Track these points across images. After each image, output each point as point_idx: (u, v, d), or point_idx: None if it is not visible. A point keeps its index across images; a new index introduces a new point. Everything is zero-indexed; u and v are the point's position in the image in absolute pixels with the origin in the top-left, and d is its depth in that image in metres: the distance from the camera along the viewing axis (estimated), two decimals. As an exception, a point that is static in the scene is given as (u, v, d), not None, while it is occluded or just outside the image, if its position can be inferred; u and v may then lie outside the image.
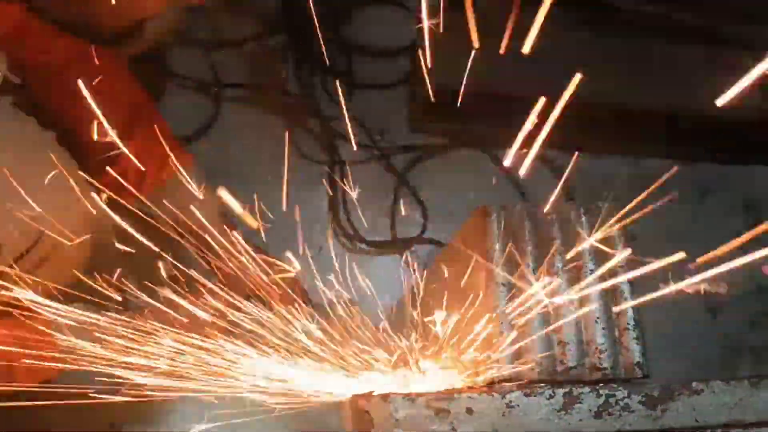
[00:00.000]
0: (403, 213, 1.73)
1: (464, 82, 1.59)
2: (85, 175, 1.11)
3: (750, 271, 1.76)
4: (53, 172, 1.02)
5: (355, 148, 1.73)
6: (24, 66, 1.04)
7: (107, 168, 1.16)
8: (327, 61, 1.58)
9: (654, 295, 0.83)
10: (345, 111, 1.68)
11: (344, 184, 1.70)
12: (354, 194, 1.72)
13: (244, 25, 1.81)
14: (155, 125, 1.23)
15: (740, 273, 1.77)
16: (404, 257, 1.68)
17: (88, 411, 1.08)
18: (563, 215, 0.86)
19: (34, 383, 1.07)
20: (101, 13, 0.92)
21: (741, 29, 1.67)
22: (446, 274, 1.07)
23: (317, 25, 1.75)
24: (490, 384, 0.80)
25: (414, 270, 1.67)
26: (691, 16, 1.67)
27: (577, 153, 1.18)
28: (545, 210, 0.86)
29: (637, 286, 0.86)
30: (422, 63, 1.65)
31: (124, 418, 1.47)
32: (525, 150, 1.77)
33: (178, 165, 1.21)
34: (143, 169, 1.19)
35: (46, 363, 1.06)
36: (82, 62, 1.09)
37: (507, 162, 0.86)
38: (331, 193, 1.71)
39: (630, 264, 0.85)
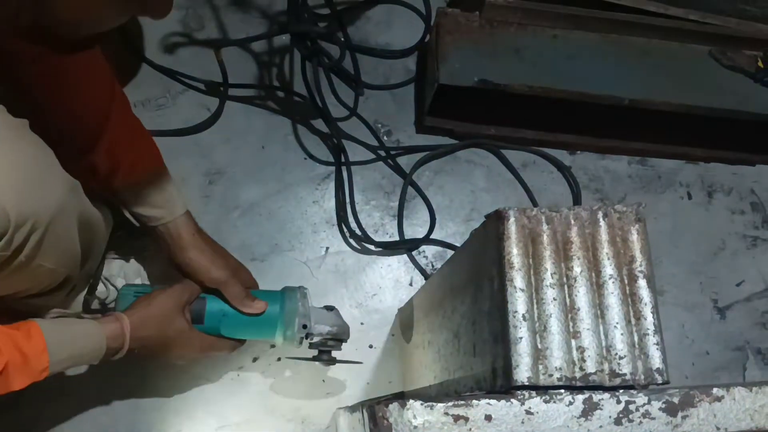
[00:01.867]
0: (410, 214, 1.73)
1: (471, 81, 1.59)
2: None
3: (759, 270, 1.77)
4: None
5: (360, 149, 1.73)
6: None
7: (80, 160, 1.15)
8: (333, 61, 1.57)
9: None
10: (352, 111, 1.68)
11: (351, 185, 1.69)
12: (361, 195, 1.71)
13: (251, 24, 1.80)
14: (131, 119, 1.23)
15: (748, 272, 1.78)
16: (412, 258, 1.68)
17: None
18: (581, 219, 0.85)
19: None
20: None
21: (749, 27, 1.67)
22: (455, 277, 1.06)
23: (324, 24, 1.76)
24: (508, 390, 0.79)
25: (422, 270, 1.67)
26: (699, 15, 1.67)
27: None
28: (562, 212, 0.85)
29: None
30: (429, 63, 1.65)
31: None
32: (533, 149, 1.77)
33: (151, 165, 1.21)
34: (116, 165, 1.18)
35: None
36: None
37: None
38: (337, 194, 1.70)
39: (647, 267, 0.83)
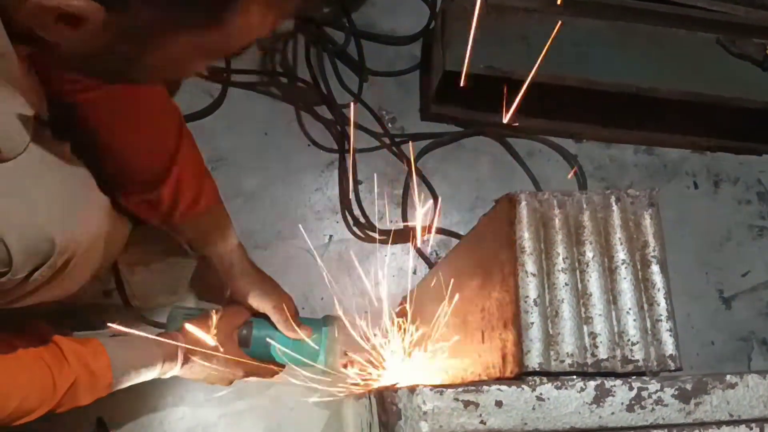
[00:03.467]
0: (414, 201, 1.71)
1: (477, 68, 1.57)
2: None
3: (765, 261, 1.76)
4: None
5: (365, 136, 1.71)
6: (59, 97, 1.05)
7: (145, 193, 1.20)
8: (337, 47, 1.56)
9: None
10: (356, 97, 1.66)
11: (355, 172, 1.68)
12: (365, 182, 1.70)
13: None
14: (195, 156, 1.26)
15: (754, 262, 1.77)
16: (416, 246, 1.67)
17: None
18: (594, 203, 0.84)
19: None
20: None
21: (758, 15, 1.65)
22: (463, 263, 1.05)
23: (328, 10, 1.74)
24: (519, 376, 0.78)
25: (425, 259, 1.66)
26: (707, 2, 1.65)
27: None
28: (574, 196, 0.84)
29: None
30: (435, 50, 1.64)
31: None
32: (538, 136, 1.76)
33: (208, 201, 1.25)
34: (180, 198, 1.22)
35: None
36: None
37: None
38: (341, 182, 1.69)
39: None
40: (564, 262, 0.81)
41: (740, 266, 1.76)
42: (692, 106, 1.63)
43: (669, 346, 0.79)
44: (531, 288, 0.80)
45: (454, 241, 1.70)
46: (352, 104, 1.68)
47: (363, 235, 1.67)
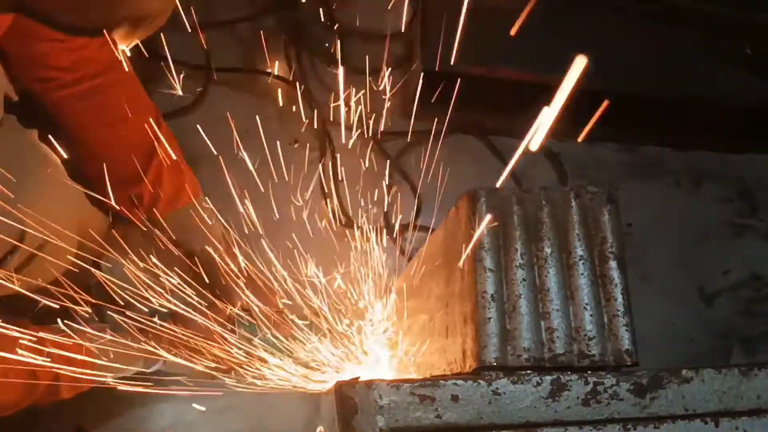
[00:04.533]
0: (396, 200, 1.72)
1: (458, 66, 1.57)
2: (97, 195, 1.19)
3: (746, 259, 1.76)
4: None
5: (347, 134, 1.71)
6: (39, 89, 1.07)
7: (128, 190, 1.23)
8: (319, 45, 1.57)
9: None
10: (337, 95, 1.67)
11: (336, 170, 1.68)
12: (346, 180, 1.70)
13: (236, 6, 1.79)
14: (174, 150, 1.28)
15: (735, 261, 1.77)
16: (397, 244, 1.68)
17: (53, 412, 1.10)
18: (553, 199, 0.84)
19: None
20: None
21: (738, 14, 1.65)
22: (432, 260, 1.06)
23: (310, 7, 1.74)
24: (476, 371, 0.79)
25: (406, 256, 1.66)
26: (688, 1, 1.65)
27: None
28: (534, 192, 0.84)
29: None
30: (416, 48, 1.64)
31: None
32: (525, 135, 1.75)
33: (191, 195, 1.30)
34: (161, 193, 1.26)
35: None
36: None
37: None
38: (323, 179, 1.69)
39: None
40: (522, 258, 0.82)
41: (721, 264, 1.76)
42: (672, 105, 1.64)
43: (625, 341, 0.80)
44: (489, 284, 0.81)
45: (436, 239, 1.70)
46: (332, 102, 1.68)
47: (345, 233, 1.68)
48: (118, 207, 1.24)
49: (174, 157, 1.27)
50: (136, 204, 1.25)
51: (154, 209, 1.26)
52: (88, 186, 1.19)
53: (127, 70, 1.30)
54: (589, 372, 0.78)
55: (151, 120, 1.26)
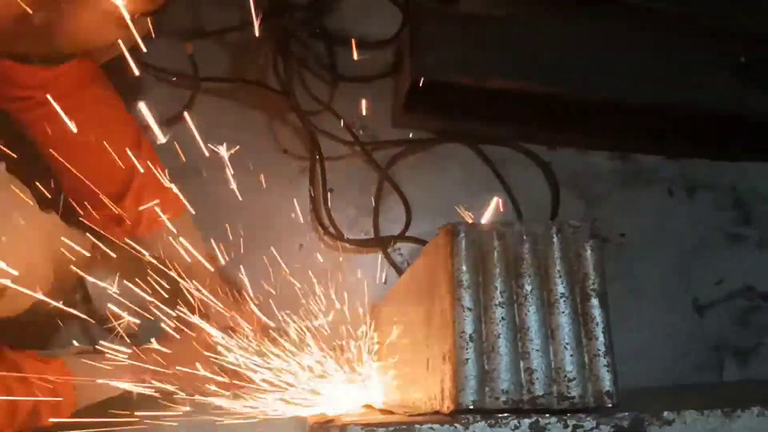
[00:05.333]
0: (386, 210, 1.70)
1: (449, 75, 1.55)
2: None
3: (740, 268, 1.74)
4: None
5: (335, 143, 1.69)
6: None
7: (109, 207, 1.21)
8: (305, 55, 1.54)
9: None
10: (326, 105, 1.65)
11: (326, 181, 1.66)
12: (335, 191, 1.68)
13: (223, 16, 1.76)
14: (155, 166, 1.26)
15: (728, 270, 1.75)
16: (387, 256, 1.66)
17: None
18: (534, 234, 0.82)
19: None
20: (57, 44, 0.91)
21: (733, 23, 1.63)
22: (415, 285, 1.04)
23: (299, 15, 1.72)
24: (453, 413, 0.77)
25: (396, 268, 1.65)
26: (681, 8, 1.62)
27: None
28: (515, 227, 0.82)
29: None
30: (405, 57, 1.62)
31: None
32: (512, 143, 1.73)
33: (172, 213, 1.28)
34: (141, 213, 1.25)
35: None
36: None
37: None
38: (312, 190, 1.67)
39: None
40: (502, 296, 0.80)
41: (715, 274, 1.75)
42: (666, 114, 1.62)
43: (606, 382, 0.78)
44: (467, 323, 0.79)
45: (426, 250, 1.68)
46: (321, 111, 1.66)
47: (333, 244, 1.66)
48: (97, 226, 1.22)
49: (156, 176, 1.25)
50: (118, 224, 1.24)
51: (137, 228, 1.24)
52: (66, 206, 1.17)
53: (105, 86, 1.29)
54: (569, 414, 0.77)
55: (131, 136, 1.24)
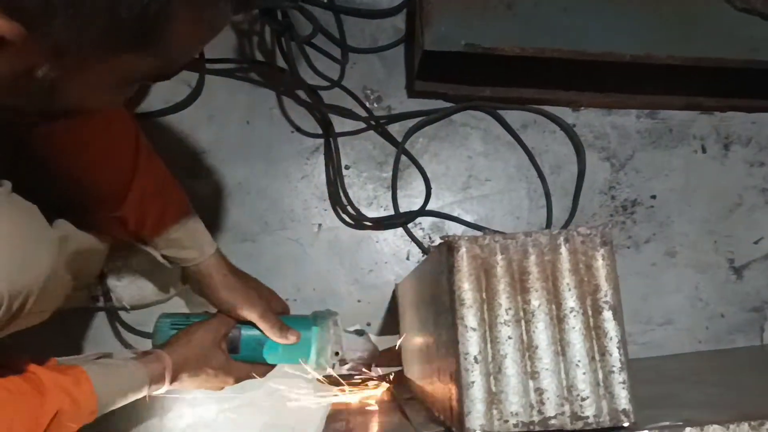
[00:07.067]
0: (404, 184, 1.65)
1: (459, 46, 1.47)
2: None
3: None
4: None
5: (348, 119, 1.64)
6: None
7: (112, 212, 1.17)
8: (304, 36, 1.49)
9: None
10: (336, 81, 1.59)
11: (340, 157, 1.62)
12: (352, 167, 1.64)
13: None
14: (156, 168, 1.21)
15: (767, 228, 1.67)
16: (408, 231, 1.62)
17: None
18: (540, 245, 0.77)
19: None
20: None
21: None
22: (424, 292, 1.00)
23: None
24: (462, 438, 0.74)
25: (418, 243, 1.61)
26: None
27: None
28: (518, 239, 0.77)
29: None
30: (416, 25, 1.54)
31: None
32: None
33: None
34: (145, 215, 1.19)
35: None
36: None
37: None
38: (328, 168, 1.63)
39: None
40: (507, 314, 0.76)
41: (752, 233, 1.67)
42: (695, 69, 1.52)
43: (622, 401, 0.74)
44: (471, 344, 0.75)
45: (447, 224, 1.64)
46: (332, 87, 1.60)
47: (353, 222, 1.63)
48: (101, 228, 1.19)
49: (159, 175, 1.22)
50: (122, 226, 1.21)
51: (141, 231, 1.21)
52: (70, 209, 1.14)
53: None
54: (583, 436, 0.73)
55: (127, 137, 1.19)
